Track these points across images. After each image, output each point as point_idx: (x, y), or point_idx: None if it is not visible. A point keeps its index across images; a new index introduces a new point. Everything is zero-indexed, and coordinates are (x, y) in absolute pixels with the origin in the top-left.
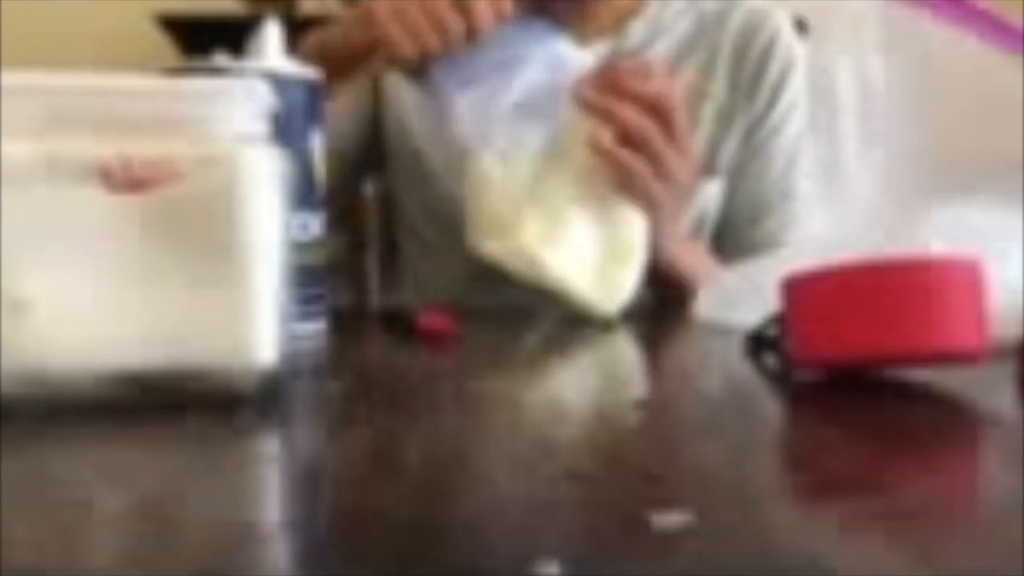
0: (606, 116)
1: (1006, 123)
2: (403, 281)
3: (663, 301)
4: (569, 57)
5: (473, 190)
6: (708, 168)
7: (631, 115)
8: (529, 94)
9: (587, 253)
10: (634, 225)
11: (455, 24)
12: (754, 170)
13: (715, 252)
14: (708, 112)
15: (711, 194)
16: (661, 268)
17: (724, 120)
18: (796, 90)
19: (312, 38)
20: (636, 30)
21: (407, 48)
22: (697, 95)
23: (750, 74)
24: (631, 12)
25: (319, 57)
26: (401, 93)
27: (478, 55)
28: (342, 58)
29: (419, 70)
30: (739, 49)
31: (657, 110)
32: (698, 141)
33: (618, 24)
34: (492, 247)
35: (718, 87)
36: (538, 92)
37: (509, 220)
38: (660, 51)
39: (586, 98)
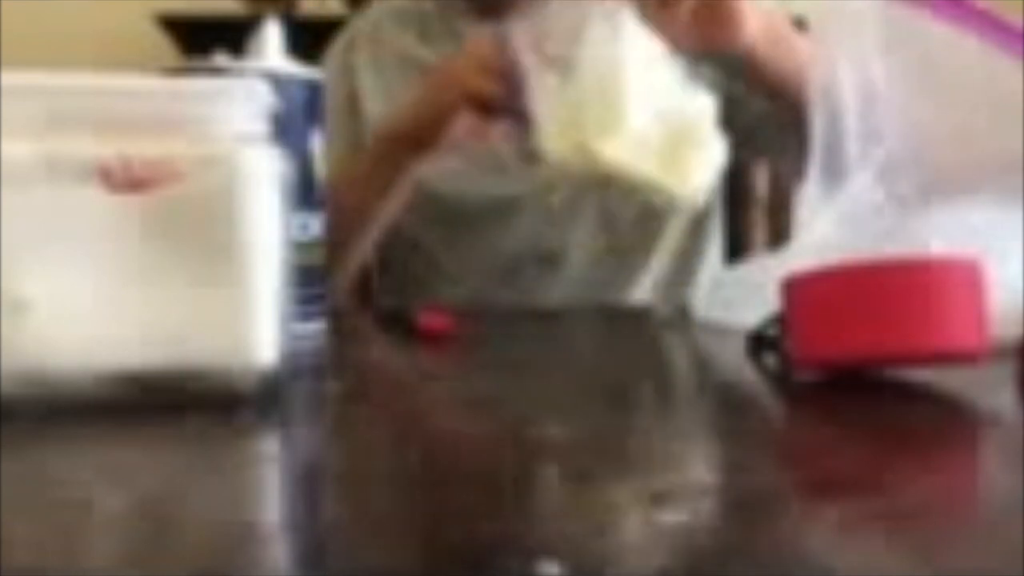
0: None
1: (1006, 123)
2: (402, 284)
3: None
4: None
5: (536, 100)
6: None
7: None
8: (584, 12)
9: (652, 140)
10: (702, 111)
11: None
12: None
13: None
14: None
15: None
16: (760, 70)
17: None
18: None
19: (383, 127)
20: None
21: (494, 89)
22: None
23: None
24: None
25: (396, 140)
26: (375, 101)
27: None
28: (420, 132)
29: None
30: None
31: None
32: None
33: None
34: (552, 147)
35: None
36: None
37: (568, 121)
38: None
39: None
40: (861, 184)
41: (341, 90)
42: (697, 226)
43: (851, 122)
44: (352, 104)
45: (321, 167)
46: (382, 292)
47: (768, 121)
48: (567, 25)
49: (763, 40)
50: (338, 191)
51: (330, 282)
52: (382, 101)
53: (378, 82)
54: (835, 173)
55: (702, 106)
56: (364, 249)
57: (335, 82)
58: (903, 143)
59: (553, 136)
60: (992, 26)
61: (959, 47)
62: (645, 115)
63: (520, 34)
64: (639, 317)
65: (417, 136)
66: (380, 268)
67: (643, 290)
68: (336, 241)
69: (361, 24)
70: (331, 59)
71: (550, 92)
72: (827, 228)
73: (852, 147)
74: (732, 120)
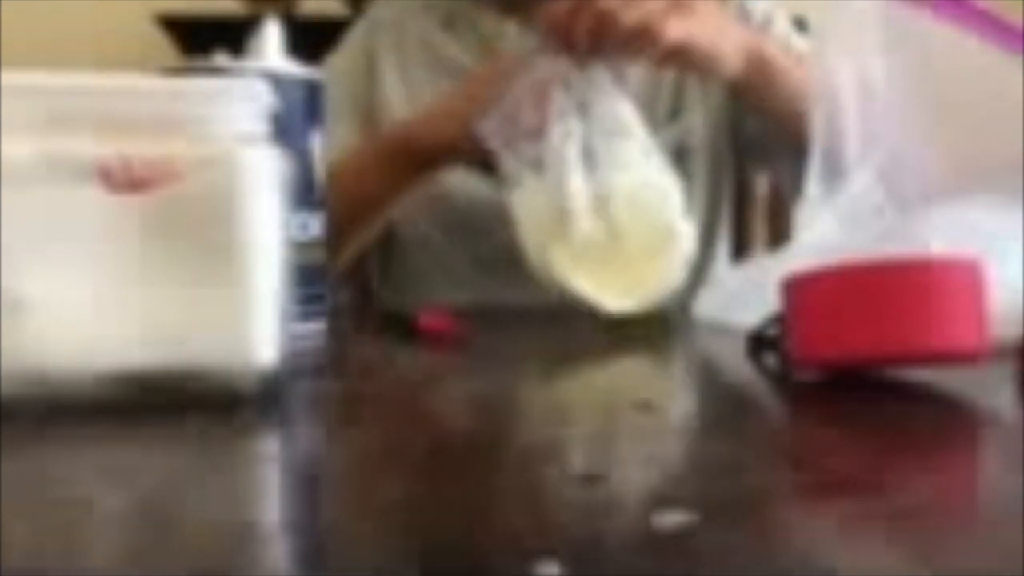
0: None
1: (1006, 123)
2: (403, 279)
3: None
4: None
5: (515, 196)
6: (675, 111)
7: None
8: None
9: (599, 249)
10: (671, 210)
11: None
12: None
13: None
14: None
15: (693, 126)
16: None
17: None
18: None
19: (395, 131)
20: None
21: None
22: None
23: None
24: None
25: (402, 152)
26: (394, 87)
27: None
28: (424, 153)
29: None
30: None
31: None
32: (664, 88)
33: None
34: (526, 244)
35: None
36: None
37: (537, 223)
38: None
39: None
40: (861, 184)
41: (360, 74)
42: (708, 230)
43: (851, 123)
44: (370, 88)
45: (321, 167)
46: (384, 289)
47: (769, 135)
48: (530, 124)
49: (750, 69)
50: (344, 175)
51: (329, 267)
52: (402, 89)
53: (399, 69)
54: (835, 174)
55: (672, 205)
56: (364, 238)
57: (354, 64)
58: (903, 143)
59: (528, 233)
60: (992, 26)
61: (959, 47)
62: (594, 223)
63: (492, 133)
64: (640, 318)
65: (428, 154)
66: (382, 265)
67: None
68: (336, 226)
69: (384, 10)
70: (351, 41)
71: (527, 190)
72: (827, 228)
73: (852, 148)
74: (735, 127)
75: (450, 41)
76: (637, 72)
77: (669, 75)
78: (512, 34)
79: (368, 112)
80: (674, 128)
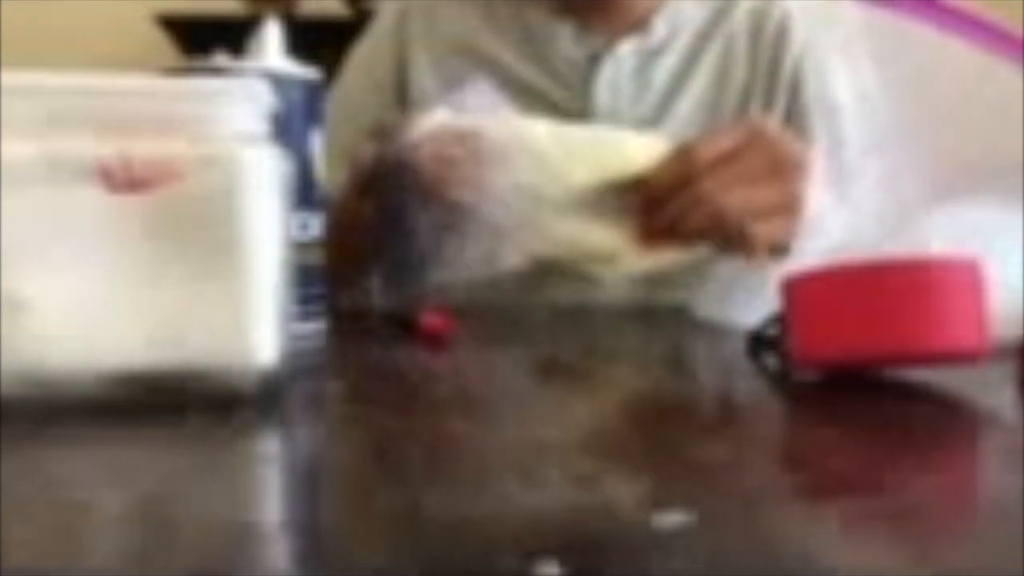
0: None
1: (1003, 123)
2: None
3: None
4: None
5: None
6: (741, 115)
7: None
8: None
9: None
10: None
11: None
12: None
13: None
14: (732, 92)
15: None
16: None
17: (745, 97)
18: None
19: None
20: (658, 26)
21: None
22: (721, 77)
23: (767, 57)
24: (653, 9)
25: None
26: (429, 82)
27: None
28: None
29: None
30: (753, 32)
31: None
32: (723, 119)
33: (642, 21)
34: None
35: (738, 69)
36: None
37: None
38: (681, 44)
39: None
40: (862, 191)
41: (387, 63)
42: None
43: (849, 129)
44: (399, 79)
45: (321, 167)
46: (382, 292)
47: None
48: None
49: None
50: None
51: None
52: (433, 84)
53: (433, 64)
54: (836, 178)
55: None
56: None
57: (382, 51)
58: (901, 148)
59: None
60: (983, 30)
61: (949, 51)
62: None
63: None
64: (639, 317)
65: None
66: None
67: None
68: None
69: None
70: (379, 27)
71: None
72: (828, 230)
73: (851, 153)
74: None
75: (491, 40)
76: (703, 77)
77: (736, 82)
78: (567, 37)
79: (392, 107)
80: None
